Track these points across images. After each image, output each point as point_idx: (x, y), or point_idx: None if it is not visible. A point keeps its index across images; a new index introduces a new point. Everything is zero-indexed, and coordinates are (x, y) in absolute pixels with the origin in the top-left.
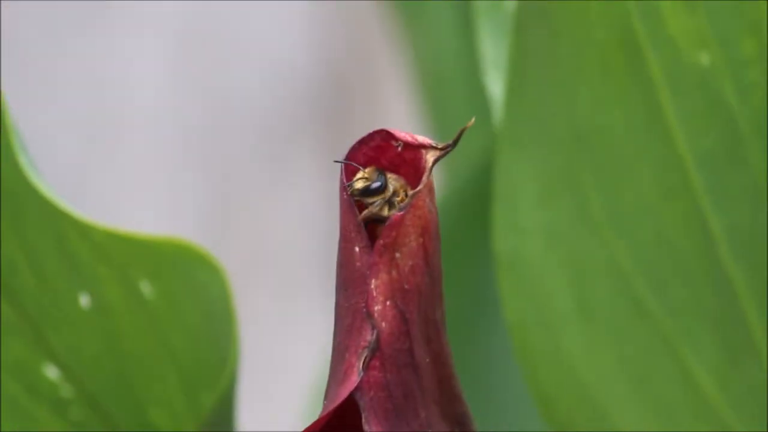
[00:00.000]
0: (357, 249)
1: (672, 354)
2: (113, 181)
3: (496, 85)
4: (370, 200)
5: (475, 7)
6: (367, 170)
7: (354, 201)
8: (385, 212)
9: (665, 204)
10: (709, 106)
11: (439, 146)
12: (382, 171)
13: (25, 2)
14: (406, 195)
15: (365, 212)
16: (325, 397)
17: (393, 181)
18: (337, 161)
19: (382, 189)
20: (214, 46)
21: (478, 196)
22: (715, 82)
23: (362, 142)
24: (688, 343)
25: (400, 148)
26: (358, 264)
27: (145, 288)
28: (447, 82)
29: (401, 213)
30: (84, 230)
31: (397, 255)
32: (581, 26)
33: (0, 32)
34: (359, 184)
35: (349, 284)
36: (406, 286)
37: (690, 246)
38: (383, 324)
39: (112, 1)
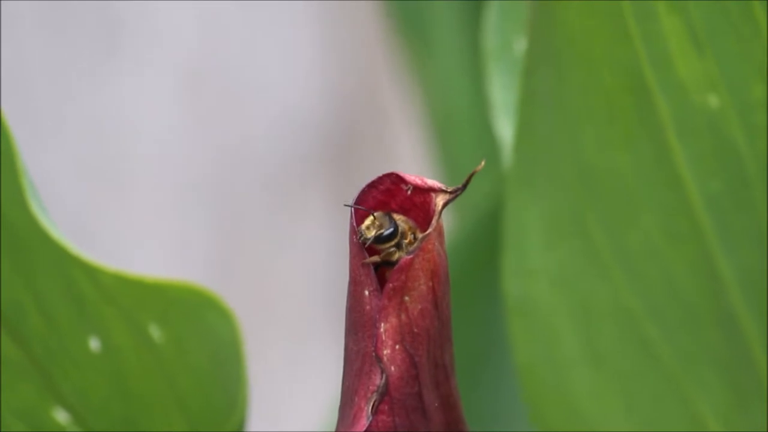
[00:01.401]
0: (366, 292)
1: (680, 397)
2: (120, 226)
3: (505, 128)
4: (383, 247)
5: (485, 51)
6: (376, 215)
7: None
8: (395, 256)
9: (673, 246)
10: (717, 149)
11: (449, 189)
12: (391, 215)
13: (32, 46)
14: (415, 238)
15: (374, 256)
16: None
17: (402, 223)
18: (347, 205)
19: (395, 235)
20: (223, 90)
21: (486, 240)
22: (724, 125)
23: (372, 186)
24: (696, 386)
25: (409, 192)
26: (367, 307)
27: (154, 332)
28: (456, 125)
29: (410, 256)
30: (93, 273)
31: (407, 298)
32: (589, 69)
33: (5, 75)
34: (371, 232)
35: (359, 328)
36: (415, 330)
37: (698, 289)
38: (392, 368)
39: (120, 43)
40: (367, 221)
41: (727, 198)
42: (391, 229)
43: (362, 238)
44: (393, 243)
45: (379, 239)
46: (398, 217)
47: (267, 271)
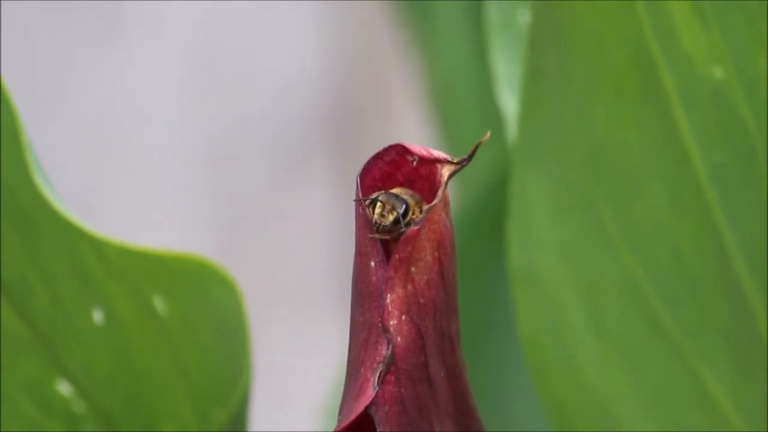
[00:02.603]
0: (372, 264)
1: (686, 368)
2: (125, 202)
3: (508, 102)
4: (399, 227)
5: (488, 25)
6: (381, 198)
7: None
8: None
9: (679, 219)
10: (723, 121)
11: (455, 161)
12: (395, 195)
13: (36, 23)
14: (421, 211)
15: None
16: (340, 412)
17: (408, 198)
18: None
19: (408, 211)
20: (228, 64)
21: (491, 211)
22: (729, 98)
23: (377, 157)
24: (703, 358)
25: (415, 163)
26: (373, 279)
27: (159, 304)
28: (459, 99)
29: (417, 227)
30: (97, 246)
31: (413, 269)
32: (596, 42)
33: (11, 50)
34: (389, 218)
35: (365, 299)
36: (421, 301)
37: (704, 261)
38: (398, 338)
39: (124, 21)
40: (377, 209)
41: (732, 170)
42: (404, 206)
43: (381, 227)
44: (407, 221)
45: (398, 221)
46: (399, 192)
47: (272, 245)
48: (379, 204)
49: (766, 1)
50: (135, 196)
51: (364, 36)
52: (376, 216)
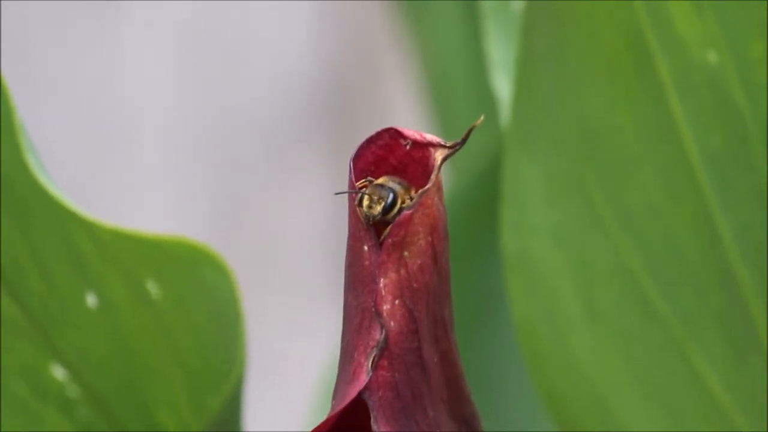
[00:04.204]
0: (365, 248)
1: (679, 353)
2: (119, 185)
3: (502, 86)
4: (390, 215)
5: (482, 8)
6: (368, 191)
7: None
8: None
9: (673, 204)
10: (717, 105)
11: (448, 144)
12: (381, 185)
13: (30, 6)
14: (410, 198)
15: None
16: (334, 397)
17: (395, 186)
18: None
19: (396, 200)
20: (221, 47)
21: (485, 196)
22: (723, 82)
23: (370, 141)
24: (696, 342)
25: (408, 147)
26: (366, 263)
27: (152, 288)
28: (452, 82)
29: (410, 212)
30: (91, 230)
31: (406, 254)
32: (589, 27)
33: (5, 35)
34: (377, 208)
35: (358, 283)
36: (414, 285)
37: (697, 246)
38: (392, 323)
39: (118, 5)
40: (365, 200)
41: (726, 155)
42: (392, 196)
43: (371, 218)
44: (397, 208)
45: (387, 210)
46: (385, 181)
47: (265, 230)
48: (366, 197)
49: None
50: (128, 181)
51: (357, 21)
52: (364, 209)
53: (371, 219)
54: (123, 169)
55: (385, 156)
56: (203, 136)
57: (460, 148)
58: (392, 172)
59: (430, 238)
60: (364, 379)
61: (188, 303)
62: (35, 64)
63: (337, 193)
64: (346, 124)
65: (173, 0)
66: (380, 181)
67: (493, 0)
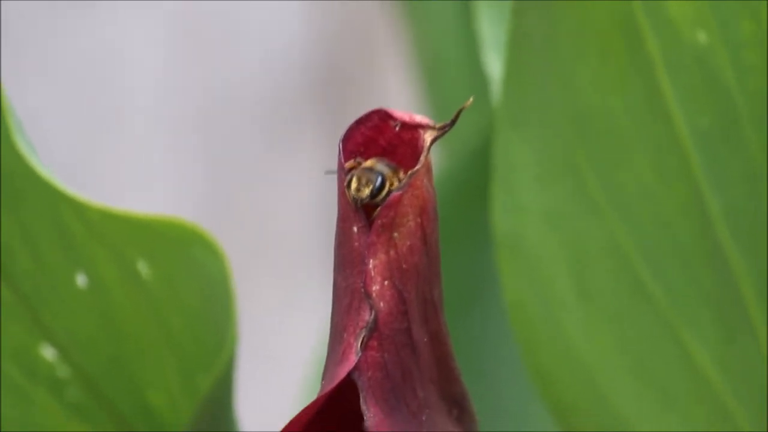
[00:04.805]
0: (355, 229)
1: (670, 333)
2: (112, 166)
3: (494, 66)
4: (379, 198)
5: None
6: (356, 173)
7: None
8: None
9: (664, 185)
10: (707, 85)
11: (437, 126)
12: (370, 168)
13: None
14: (399, 180)
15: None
16: (323, 378)
17: (383, 168)
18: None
19: (385, 182)
20: (214, 30)
21: (475, 177)
22: (713, 62)
23: (360, 122)
24: (687, 322)
25: (397, 128)
26: (356, 244)
27: (143, 268)
28: (445, 62)
29: (399, 193)
30: (80, 210)
31: (395, 235)
32: (580, 7)
33: None
34: (366, 190)
35: (347, 264)
36: (404, 266)
37: (689, 227)
38: (381, 304)
39: None
40: (353, 183)
41: (716, 135)
42: (380, 179)
43: (360, 200)
44: (386, 191)
45: (374, 195)
46: (373, 164)
47: (258, 208)
48: (354, 179)
49: None
50: (120, 162)
51: (348, 2)
52: (352, 192)
53: (359, 202)
54: (114, 151)
55: (375, 137)
56: (195, 117)
57: (449, 130)
58: (382, 153)
59: (419, 219)
60: (353, 359)
61: (179, 283)
62: (23, 41)
63: (327, 173)
64: (338, 105)
65: None
66: (368, 164)
67: None
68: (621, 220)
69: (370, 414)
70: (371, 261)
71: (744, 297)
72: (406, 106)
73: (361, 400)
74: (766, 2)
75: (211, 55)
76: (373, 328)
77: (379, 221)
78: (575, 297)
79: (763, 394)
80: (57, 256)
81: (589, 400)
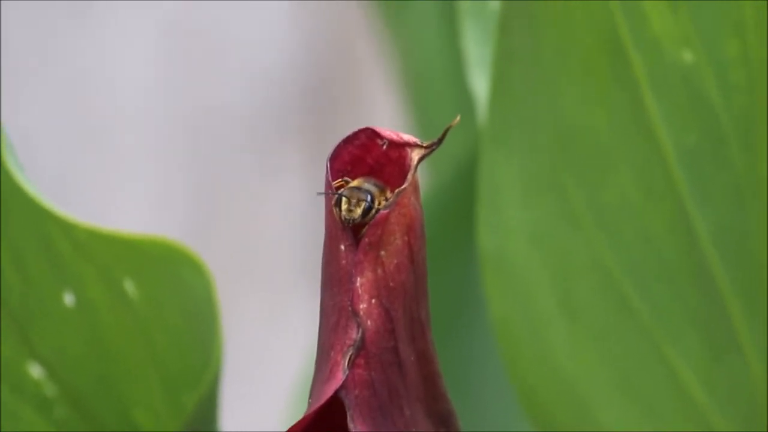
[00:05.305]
0: (342, 247)
1: (655, 351)
2: (99, 180)
3: (479, 85)
4: (368, 218)
5: (459, 7)
6: (345, 193)
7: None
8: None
9: (649, 203)
10: (692, 104)
11: (424, 144)
12: (358, 188)
13: (8, 1)
14: (386, 199)
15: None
16: (311, 396)
17: (371, 187)
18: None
19: (374, 202)
20: (201, 44)
21: (462, 195)
22: (698, 81)
23: (347, 141)
24: (672, 340)
25: (385, 147)
26: (343, 262)
27: (129, 287)
28: (431, 81)
29: (386, 211)
30: (67, 229)
31: (382, 253)
32: (565, 26)
33: None
34: (358, 210)
35: (335, 282)
36: (391, 284)
37: (673, 244)
38: (368, 322)
39: (98, 1)
40: (343, 204)
41: (701, 153)
42: (370, 197)
43: (351, 221)
44: (375, 210)
45: (366, 214)
46: (361, 183)
47: (244, 226)
48: (344, 200)
49: None
50: (108, 178)
51: (336, 20)
52: (343, 212)
53: (350, 222)
54: (102, 166)
55: (362, 156)
56: (182, 133)
57: (436, 148)
58: (369, 171)
59: (406, 238)
60: (340, 377)
61: (165, 302)
62: (12, 59)
63: (318, 194)
64: (325, 122)
65: None
66: (355, 183)
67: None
68: (606, 238)
69: None
70: (358, 279)
71: (730, 314)
72: (393, 124)
73: (349, 419)
74: (751, 21)
75: (199, 73)
76: (361, 347)
77: (367, 240)
78: (560, 315)
79: (749, 411)
80: (44, 274)
81: (574, 417)
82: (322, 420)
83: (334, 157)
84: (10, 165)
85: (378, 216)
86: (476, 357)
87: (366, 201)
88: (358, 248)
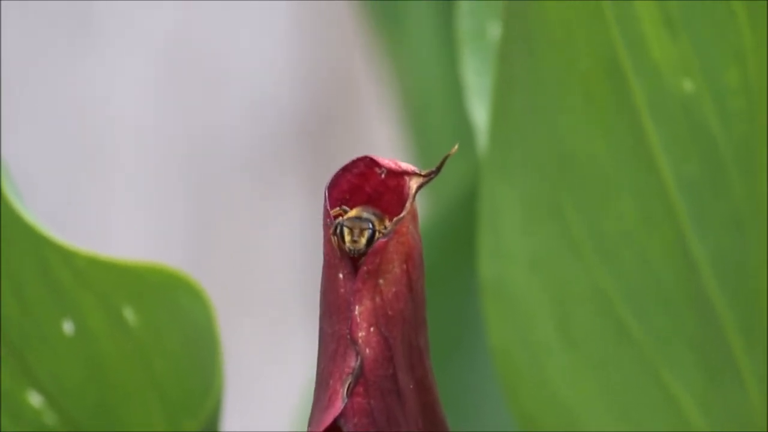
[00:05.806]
0: (341, 275)
1: (654, 378)
2: (98, 207)
3: (479, 113)
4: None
5: (459, 36)
6: (346, 223)
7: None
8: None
9: (648, 230)
10: (692, 132)
11: (423, 173)
12: (359, 218)
13: (5, 28)
14: (384, 227)
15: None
16: (309, 424)
17: (370, 216)
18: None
19: (375, 232)
20: (200, 70)
21: (461, 223)
22: (698, 110)
23: (346, 170)
24: (671, 367)
25: (383, 175)
26: (341, 290)
27: (128, 314)
28: (430, 109)
29: (385, 240)
30: (66, 256)
31: (381, 281)
32: (565, 54)
33: None
34: (362, 241)
35: (333, 311)
36: (389, 313)
37: (672, 272)
38: (367, 350)
39: (96, 29)
40: (346, 236)
41: (701, 182)
42: (371, 226)
43: (356, 251)
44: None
45: (371, 243)
46: (360, 213)
47: (244, 255)
48: (347, 231)
49: (734, 13)
50: (106, 204)
51: (336, 47)
52: (347, 243)
53: (356, 253)
54: (101, 193)
55: (361, 184)
56: (182, 161)
57: (435, 177)
58: (367, 200)
59: (405, 266)
60: (339, 405)
61: (165, 330)
62: (10, 86)
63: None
64: (324, 150)
65: (152, 23)
66: (354, 212)
67: (470, 27)
68: (605, 266)
69: None
70: (357, 307)
71: (729, 342)
72: (391, 153)
73: None
74: (751, 50)
75: (198, 101)
76: (359, 375)
77: (365, 268)
78: (560, 342)
79: None
80: (43, 302)
81: None
82: None
83: (333, 186)
84: (9, 193)
85: (376, 244)
86: (475, 385)
87: (369, 229)
88: (357, 276)
